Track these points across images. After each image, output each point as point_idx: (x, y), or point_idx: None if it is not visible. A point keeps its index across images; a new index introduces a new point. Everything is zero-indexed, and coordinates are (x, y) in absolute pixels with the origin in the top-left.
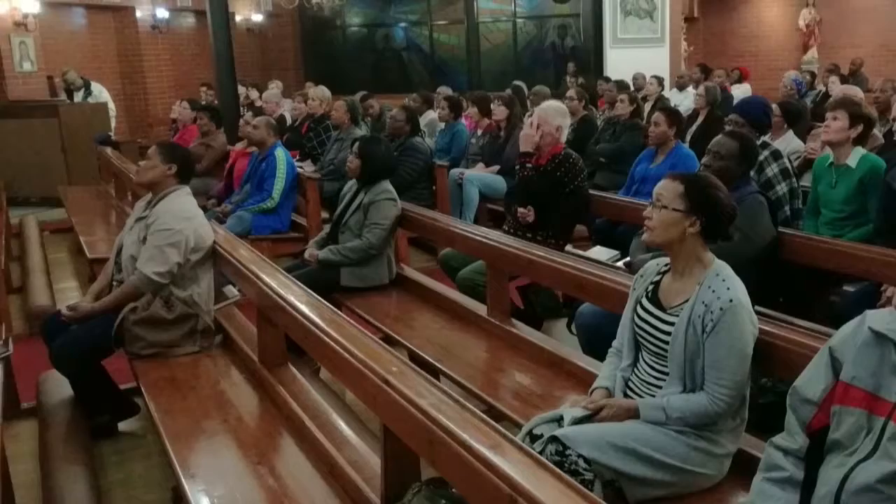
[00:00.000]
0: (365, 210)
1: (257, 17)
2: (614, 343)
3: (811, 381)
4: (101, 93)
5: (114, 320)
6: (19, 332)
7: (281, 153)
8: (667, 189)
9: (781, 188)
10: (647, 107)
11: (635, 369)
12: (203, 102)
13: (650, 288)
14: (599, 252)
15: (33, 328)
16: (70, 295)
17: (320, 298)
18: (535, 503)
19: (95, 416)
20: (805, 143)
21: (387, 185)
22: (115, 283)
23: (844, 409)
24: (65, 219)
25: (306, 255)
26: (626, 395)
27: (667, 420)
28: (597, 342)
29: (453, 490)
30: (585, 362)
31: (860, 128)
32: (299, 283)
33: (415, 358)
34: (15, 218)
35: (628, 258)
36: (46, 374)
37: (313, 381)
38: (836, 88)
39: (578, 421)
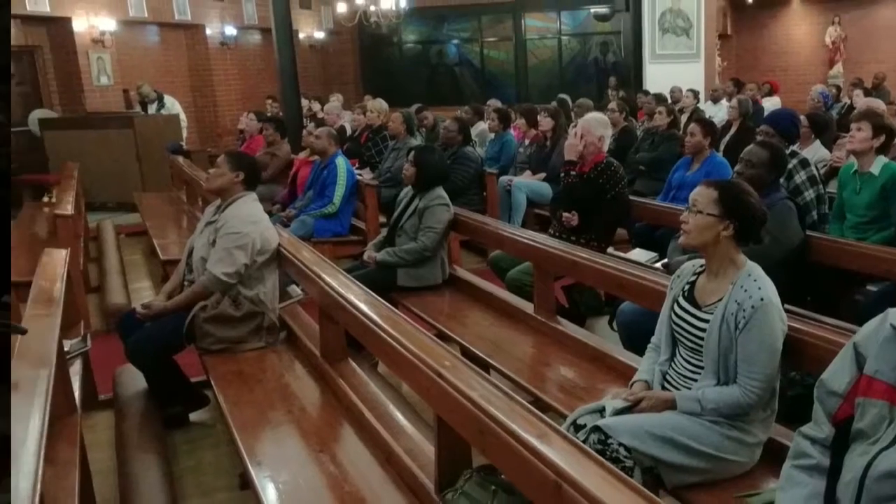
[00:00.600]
0: (420, 215)
1: (319, 35)
2: (653, 339)
3: (837, 375)
4: (173, 105)
5: (185, 318)
6: (97, 328)
7: (341, 161)
8: (702, 195)
9: (809, 194)
10: (684, 118)
11: (672, 363)
12: (268, 114)
13: (686, 287)
14: (639, 254)
15: (110, 325)
16: (144, 294)
17: (378, 297)
18: (579, 488)
19: (168, 407)
20: (831, 152)
21: (440, 192)
22: (186, 283)
23: (868, 401)
24: (139, 223)
25: (365, 256)
26: (663, 388)
27: (702, 411)
28: (636, 338)
29: (502, 476)
30: (626, 357)
31: (883, 138)
32: (359, 283)
33: (466, 353)
34: (93, 222)
35: (666, 260)
36: (122, 368)
37: (371, 374)
38: (860, 101)
39: (619, 412)
